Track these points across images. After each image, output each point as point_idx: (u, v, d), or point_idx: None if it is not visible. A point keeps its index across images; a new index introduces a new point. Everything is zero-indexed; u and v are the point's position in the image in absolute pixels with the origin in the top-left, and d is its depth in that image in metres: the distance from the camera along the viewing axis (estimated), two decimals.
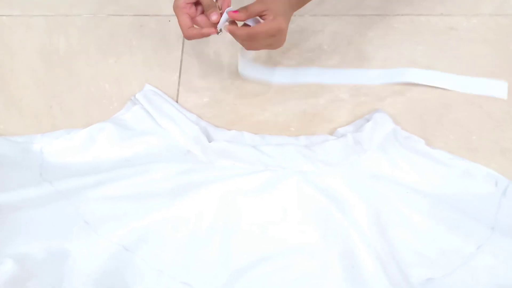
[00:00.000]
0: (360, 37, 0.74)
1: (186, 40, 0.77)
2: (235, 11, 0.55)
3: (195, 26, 0.59)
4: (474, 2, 0.75)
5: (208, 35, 0.58)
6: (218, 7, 0.58)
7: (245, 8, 0.56)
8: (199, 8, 0.59)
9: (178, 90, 0.73)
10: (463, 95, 0.68)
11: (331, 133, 0.67)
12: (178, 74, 0.74)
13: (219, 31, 0.58)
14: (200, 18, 0.58)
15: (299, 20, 0.75)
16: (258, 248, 0.55)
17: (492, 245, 0.54)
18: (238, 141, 0.66)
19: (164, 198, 0.58)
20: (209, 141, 0.64)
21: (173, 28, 0.78)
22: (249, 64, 0.69)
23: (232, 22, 0.57)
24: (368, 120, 0.65)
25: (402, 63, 0.71)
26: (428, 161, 0.60)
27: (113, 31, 0.78)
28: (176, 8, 0.57)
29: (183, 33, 0.58)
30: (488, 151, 0.63)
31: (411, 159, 0.61)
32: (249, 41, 0.56)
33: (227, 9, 0.56)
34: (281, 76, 0.72)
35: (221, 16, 0.57)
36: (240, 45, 0.59)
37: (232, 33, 0.56)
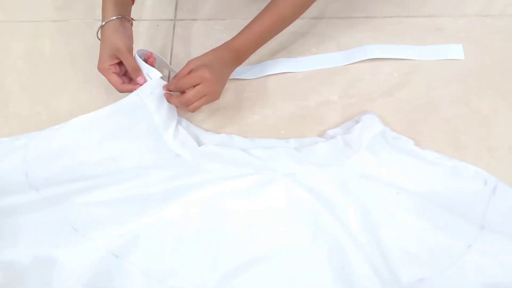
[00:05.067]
0: (349, 39, 0.74)
1: (175, 43, 0.77)
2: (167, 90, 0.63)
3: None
4: (461, 3, 0.76)
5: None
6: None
7: (175, 77, 0.62)
8: (123, 67, 0.64)
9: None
10: (451, 94, 0.68)
11: (321, 135, 0.67)
12: (167, 79, 0.74)
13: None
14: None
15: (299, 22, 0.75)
16: (247, 250, 0.54)
17: (481, 244, 0.54)
18: (227, 144, 0.65)
19: (151, 202, 0.57)
20: (199, 145, 0.63)
21: (161, 32, 0.78)
22: None
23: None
24: (357, 122, 0.65)
25: (389, 64, 0.71)
26: (417, 161, 0.60)
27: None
28: (102, 69, 0.62)
29: (117, 89, 0.64)
30: (476, 150, 0.64)
31: (400, 159, 0.61)
32: (180, 97, 0.60)
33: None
34: (254, 71, 0.72)
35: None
36: None
37: (165, 88, 0.63)
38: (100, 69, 0.63)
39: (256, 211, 0.57)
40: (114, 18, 0.62)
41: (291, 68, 0.72)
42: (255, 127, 0.69)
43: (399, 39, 0.73)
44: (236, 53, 0.62)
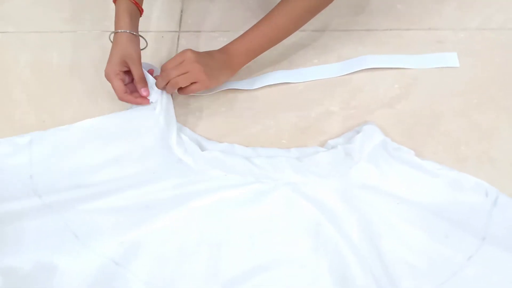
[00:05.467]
0: (350, 51, 0.75)
1: None
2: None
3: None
4: (461, 16, 0.77)
5: (141, 103, 0.65)
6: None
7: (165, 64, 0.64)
8: (128, 77, 0.65)
9: None
10: (451, 106, 0.69)
11: (323, 145, 0.68)
12: None
13: (151, 101, 0.66)
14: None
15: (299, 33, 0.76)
16: (247, 260, 0.54)
17: (482, 256, 0.54)
18: (229, 153, 0.66)
19: (153, 210, 0.58)
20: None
21: (166, 43, 0.80)
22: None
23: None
24: (358, 132, 0.65)
25: (390, 76, 0.72)
26: (417, 171, 0.61)
27: (107, 47, 0.79)
28: (110, 74, 0.63)
29: (118, 96, 0.64)
30: (477, 161, 0.64)
31: (401, 170, 0.61)
32: (163, 71, 0.63)
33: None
34: (253, 82, 0.73)
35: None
36: None
37: (156, 79, 0.65)
38: (108, 72, 0.63)
39: (257, 220, 0.57)
40: (128, 31, 0.63)
41: (291, 79, 0.73)
42: (257, 137, 0.69)
43: (400, 52, 0.74)
44: (228, 56, 0.63)
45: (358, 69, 0.72)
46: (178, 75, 0.61)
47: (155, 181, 0.60)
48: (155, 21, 0.82)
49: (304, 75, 0.74)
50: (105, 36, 0.80)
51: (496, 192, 0.59)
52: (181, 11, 0.83)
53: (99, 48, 0.79)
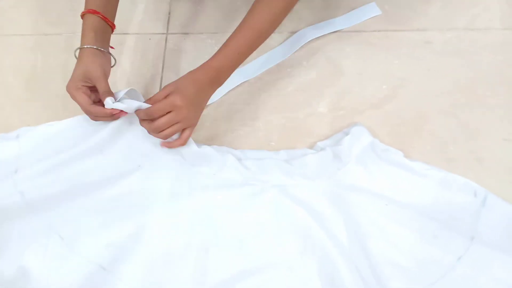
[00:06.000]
0: (338, 52, 0.75)
1: (167, 56, 0.78)
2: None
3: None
4: (449, 17, 0.77)
5: (113, 116, 0.58)
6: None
7: (150, 99, 0.58)
8: (94, 94, 0.60)
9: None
10: (438, 106, 0.69)
11: (311, 146, 0.67)
12: (158, 91, 0.74)
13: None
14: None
15: (277, 37, 0.76)
16: (236, 264, 0.54)
17: (472, 256, 0.54)
18: None
19: (141, 208, 0.56)
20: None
21: (153, 45, 0.79)
22: None
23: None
24: (346, 134, 0.65)
25: (378, 77, 0.72)
26: (406, 172, 0.61)
27: None
28: (71, 88, 0.58)
29: (84, 111, 0.59)
30: (465, 161, 0.64)
31: (389, 171, 0.61)
32: (151, 122, 0.57)
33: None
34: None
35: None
36: None
37: (137, 114, 0.58)
38: (69, 87, 0.58)
39: (245, 223, 0.57)
40: (94, 47, 0.59)
41: (243, 78, 0.73)
42: (246, 139, 0.69)
43: (387, 53, 0.74)
44: (215, 72, 0.59)
45: (301, 45, 0.74)
46: (168, 127, 0.57)
47: (141, 176, 0.58)
48: (142, 23, 0.82)
49: (254, 69, 0.74)
50: None
51: (485, 192, 0.60)
52: (169, 13, 0.82)
53: None
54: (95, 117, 0.60)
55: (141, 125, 0.59)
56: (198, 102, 0.59)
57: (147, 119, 0.57)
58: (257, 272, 0.53)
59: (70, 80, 0.59)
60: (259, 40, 0.62)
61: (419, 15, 0.77)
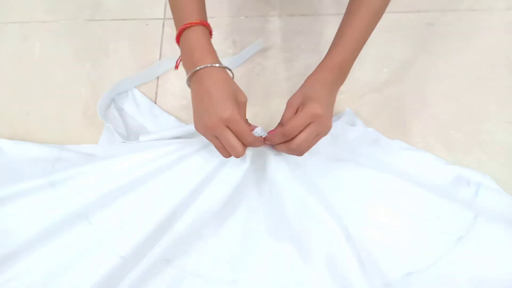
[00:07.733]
0: None
1: (164, 43, 0.77)
2: (271, 131, 0.51)
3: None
4: None
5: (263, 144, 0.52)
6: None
7: (281, 121, 0.52)
8: None
9: (156, 93, 0.73)
10: (440, 89, 0.68)
11: None
12: (156, 77, 0.74)
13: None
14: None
15: (277, 21, 0.75)
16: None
17: (471, 237, 0.54)
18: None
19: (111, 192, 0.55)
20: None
21: (150, 31, 0.78)
22: None
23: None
24: (339, 118, 0.64)
25: (379, 59, 0.71)
26: (400, 160, 0.60)
27: (90, 36, 0.78)
28: (235, 116, 0.47)
29: (247, 139, 0.48)
30: (466, 145, 0.63)
31: (383, 159, 0.60)
32: (289, 143, 0.50)
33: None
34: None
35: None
36: None
37: (269, 140, 0.52)
38: (231, 116, 0.46)
39: (225, 197, 0.54)
40: (223, 66, 0.49)
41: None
42: None
43: (389, 35, 0.73)
44: (339, 69, 0.52)
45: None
46: (311, 140, 0.49)
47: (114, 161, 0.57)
48: (139, 9, 0.80)
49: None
50: (89, 26, 0.78)
51: (478, 181, 0.59)
52: None
53: (82, 37, 0.78)
54: (242, 148, 0.49)
55: (277, 149, 0.52)
56: (332, 105, 0.52)
57: (284, 140, 0.50)
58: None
59: (223, 109, 0.46)
60: (376, 19, 0.54)
61: None
